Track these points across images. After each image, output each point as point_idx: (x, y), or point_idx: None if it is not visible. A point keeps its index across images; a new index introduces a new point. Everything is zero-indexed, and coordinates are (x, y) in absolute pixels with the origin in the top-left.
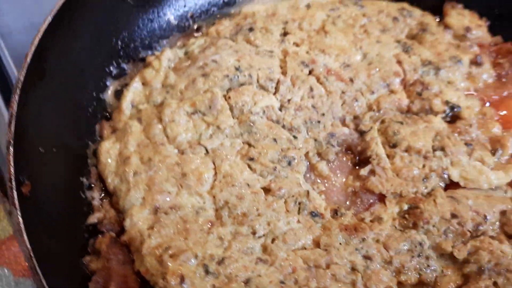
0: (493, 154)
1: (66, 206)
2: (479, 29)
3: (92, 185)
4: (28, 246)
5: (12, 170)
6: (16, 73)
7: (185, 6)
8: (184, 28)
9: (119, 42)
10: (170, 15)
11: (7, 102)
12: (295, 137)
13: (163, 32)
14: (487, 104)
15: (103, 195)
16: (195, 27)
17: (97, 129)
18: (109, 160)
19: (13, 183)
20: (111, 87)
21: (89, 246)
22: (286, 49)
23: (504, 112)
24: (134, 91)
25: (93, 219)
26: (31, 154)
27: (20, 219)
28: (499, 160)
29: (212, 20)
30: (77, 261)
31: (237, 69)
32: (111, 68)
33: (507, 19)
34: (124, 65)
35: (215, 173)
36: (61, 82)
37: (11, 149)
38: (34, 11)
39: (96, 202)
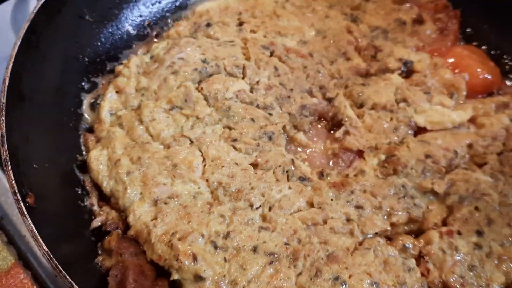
0: (451, 97)
1: (68, 215)
2: None
3: (88, 193)
4: (45, 248)
5: (14, 183)
6: None
7: (140, 16)
8: (144, 36)
9: (86, 58)
10: (128, 26)
11: None
12: (270, 114)
13: (125, 43)
14: (435, 55)
15: (100, 200)
16: (154, 34)
17: (81, 141)
18: (101, 166)
19: (18, 195)
20: (86, 101)
21: (98, 247)
22: (245, 36)
23: (452, 59)
24: (110, 100)
25: (96, 223)
26: (27, 170)
27: (33, 226)
28: (457, 101)
29: (167, 24)
30: (90, 263)
31: (204, 61)
32: (83, 83)
33: None
34: (95, 79)
35: (204, 159)
36: (39, 103)
37: (9, 165)
38: None
39: (95, 208)
